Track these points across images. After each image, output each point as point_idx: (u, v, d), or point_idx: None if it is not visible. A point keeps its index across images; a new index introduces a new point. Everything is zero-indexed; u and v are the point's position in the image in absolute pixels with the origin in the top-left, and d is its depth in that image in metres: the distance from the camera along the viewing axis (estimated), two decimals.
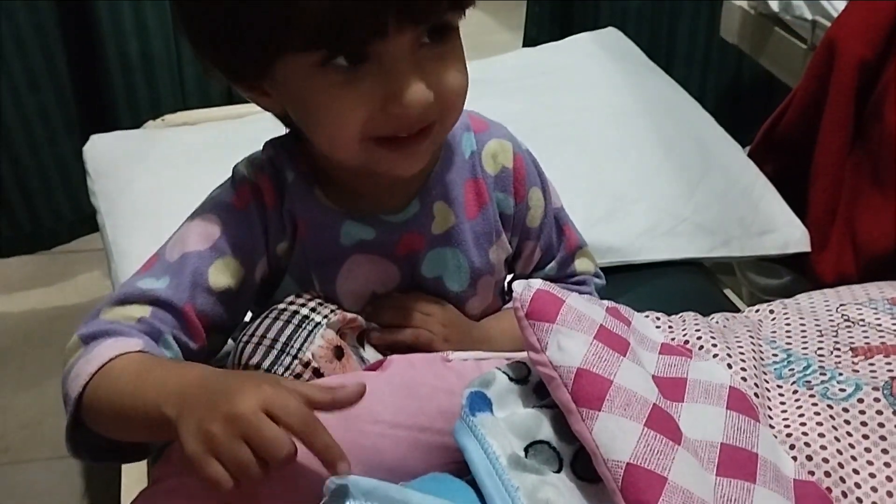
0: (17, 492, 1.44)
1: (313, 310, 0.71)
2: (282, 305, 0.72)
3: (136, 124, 1.54)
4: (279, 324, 0.70)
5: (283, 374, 0.69)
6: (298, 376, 0.69)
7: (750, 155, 1.36)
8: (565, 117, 1.33)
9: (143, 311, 0.68)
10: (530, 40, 2.00)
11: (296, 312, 0.71)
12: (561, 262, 0.86)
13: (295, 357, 0.69)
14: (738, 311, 0.91)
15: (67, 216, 1.82)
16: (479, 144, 0.78)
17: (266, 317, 0.71)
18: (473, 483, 0.56)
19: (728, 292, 1.20)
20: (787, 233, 1.24)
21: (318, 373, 0.69)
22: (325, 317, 0.71)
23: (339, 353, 0.70)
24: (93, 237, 1.83)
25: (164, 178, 1.23)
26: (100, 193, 1.23)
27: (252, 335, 0.70)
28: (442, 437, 0.63)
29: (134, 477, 0.94)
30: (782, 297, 0.85)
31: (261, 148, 0.77)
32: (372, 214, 0.75)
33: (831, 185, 1.27)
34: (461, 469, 0.59)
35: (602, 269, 1.06)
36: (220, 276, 0.70)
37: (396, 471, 0.62)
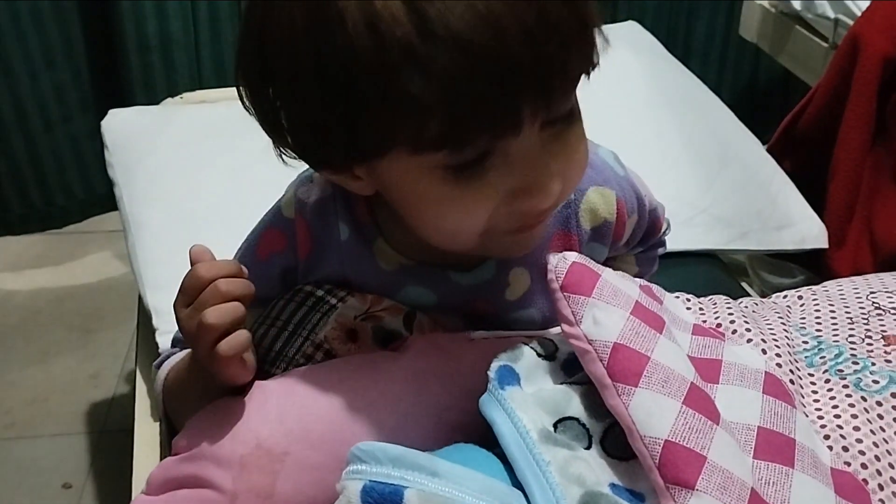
0: (22, 466, 1.44)
1: (329, 291, 0.70)
2: (298, 287, 0.72)
3: (152, 104, 1.53)
4: (293, 306, 0.70)
5: (294, 355, 0.69)
6: (310, 357, 0.69)
7: (769, 150, 1.35)
8: (584, 108, 1.32)
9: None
10: None
11: (311, 294, 0.70)
12: (649, 244, 0.82)
13: (306, 339, 0.69)
14: None
15: (79, 195, 1.82)
16: (577, 193, 0.68)
17: (283, 300, 0.71)
18: (501, 456, 0.56)
19: (744, 285, 1.20)
20: (804, 228, 1.23)
21: (329, 354, 0.69)
22: (341, 299, 0.69)
23: (352, 335, 0.70)
24: (104, 218, 1.83)
25: (182, 152, 1.23)
26: (117, 166, 1.23)
27: (267, 317, 0.71)
28: (466, 417, 0.62)
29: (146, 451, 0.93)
30: None
31: (299, 185, 0.69)
32: (439, 269, 0.68)
33: (850, 181, 1.26)
34: (484, 446, 0.58)
35: None
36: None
37: (420, 448, 0.61)
